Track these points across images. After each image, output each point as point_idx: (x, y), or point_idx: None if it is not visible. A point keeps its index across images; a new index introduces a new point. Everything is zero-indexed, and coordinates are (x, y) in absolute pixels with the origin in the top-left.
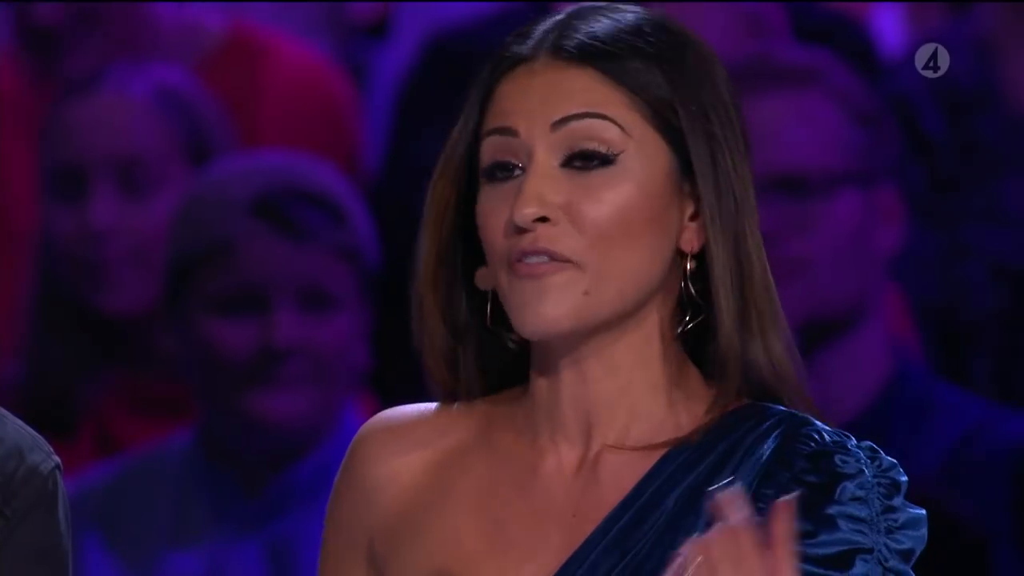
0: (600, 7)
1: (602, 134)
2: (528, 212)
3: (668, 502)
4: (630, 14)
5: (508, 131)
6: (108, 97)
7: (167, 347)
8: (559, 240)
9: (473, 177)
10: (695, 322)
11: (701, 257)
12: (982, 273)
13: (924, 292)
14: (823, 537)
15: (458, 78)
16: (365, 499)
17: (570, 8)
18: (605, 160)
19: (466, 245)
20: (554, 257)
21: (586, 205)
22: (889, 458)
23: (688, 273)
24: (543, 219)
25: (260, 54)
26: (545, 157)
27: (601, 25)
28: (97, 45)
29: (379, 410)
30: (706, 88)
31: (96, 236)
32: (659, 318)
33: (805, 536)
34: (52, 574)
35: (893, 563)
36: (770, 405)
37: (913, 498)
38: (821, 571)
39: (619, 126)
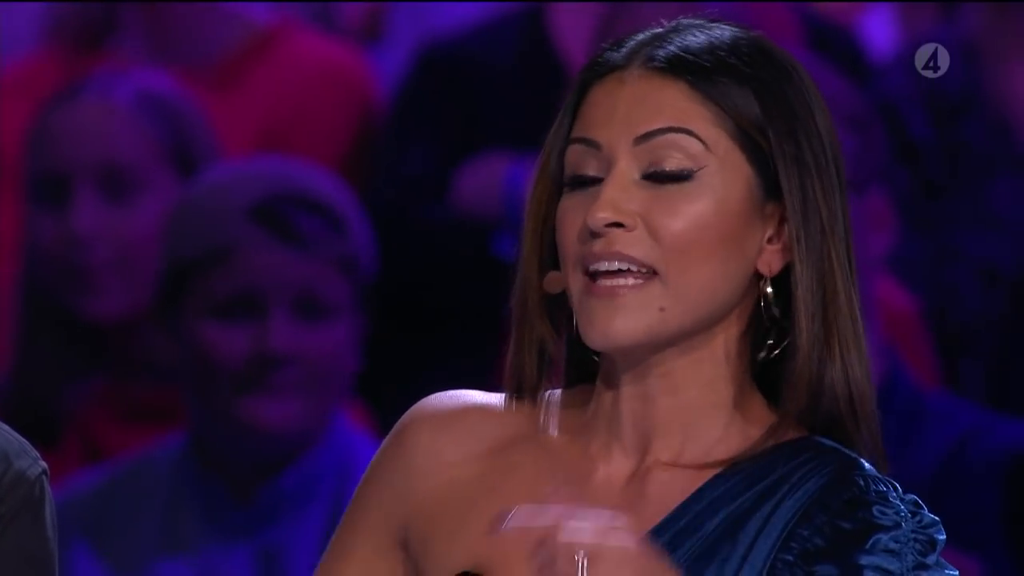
0: (700, 24)
1: (684, 148)
2: (602, 216)
3: (709, 526)
4: (728, 33)
5: (591, 143)
6: (91, 103)
7: (158, 351)
8: (634, 245)
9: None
10: (777, 348)
11: (778, 281)
12: (972, 277)
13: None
14: None
15: (451, 87)
16: (406, 483)
17: (672, 22)
18: (685, 174)
19: None
20: (630, 262)
21: (662, 217)
22: (931, 515)
23: (765, 296)
24: (618, 225)
25: (295, 47)
26: (626, 168)
27: (696, 40)
28: (136, 38)
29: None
30: (800, 116)
31: (79, 242)
32: (728, 339)
33: None
34: None
35: None
36: (823, 441)
37: None
38: None
39: (702, 141)
